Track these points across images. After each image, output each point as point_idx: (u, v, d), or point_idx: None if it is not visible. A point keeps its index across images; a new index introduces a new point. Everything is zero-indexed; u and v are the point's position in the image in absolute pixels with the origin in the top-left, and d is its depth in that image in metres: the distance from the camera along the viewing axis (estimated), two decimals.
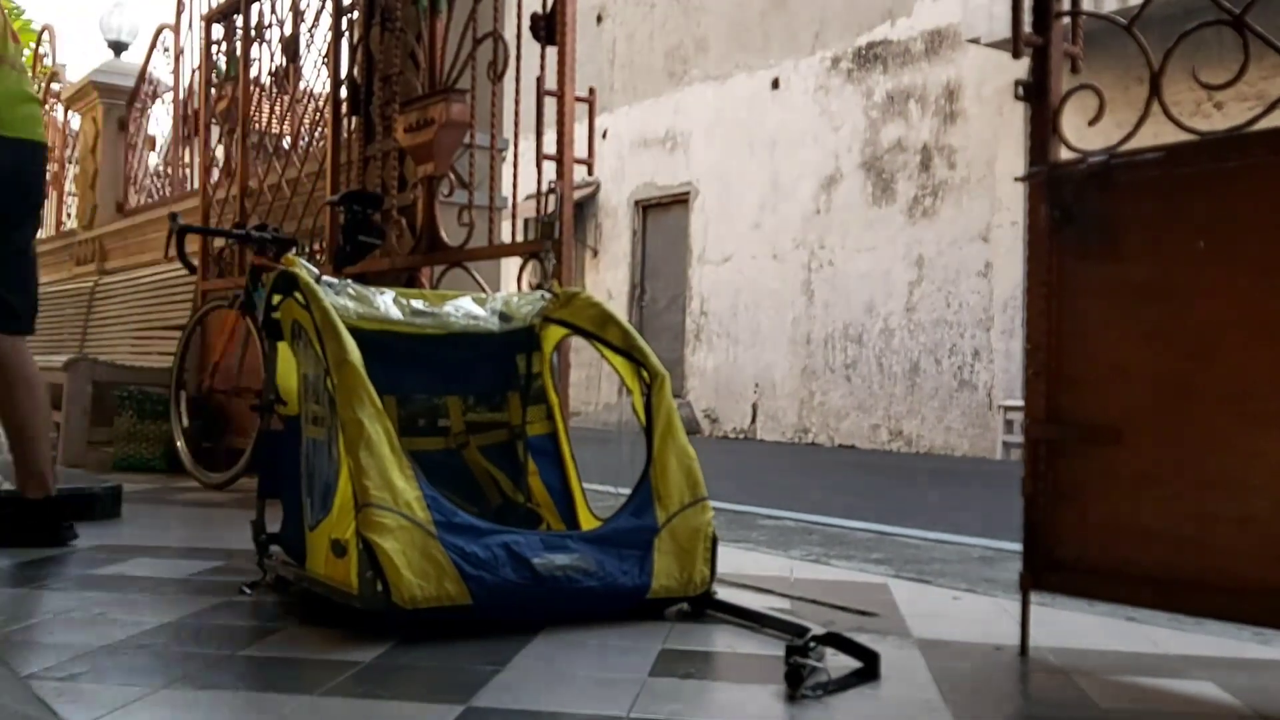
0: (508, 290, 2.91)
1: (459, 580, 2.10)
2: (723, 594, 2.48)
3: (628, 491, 2.47)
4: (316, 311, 2.34)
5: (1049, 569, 2.10)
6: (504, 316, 2.78)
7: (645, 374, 2.54)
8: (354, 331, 2.34)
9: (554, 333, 2.84)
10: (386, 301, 2.67)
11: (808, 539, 4.07)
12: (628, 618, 2.35)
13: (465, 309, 2.76)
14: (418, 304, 2.71)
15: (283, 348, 2.60)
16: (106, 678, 1.83)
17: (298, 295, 2.43)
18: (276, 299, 2.54)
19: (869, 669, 1.95)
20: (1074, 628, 2.40)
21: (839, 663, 1.98)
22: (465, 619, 2.14)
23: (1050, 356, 2.10)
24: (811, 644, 1.96)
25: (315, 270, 2.55)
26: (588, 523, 2.69)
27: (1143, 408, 1.97)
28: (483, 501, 2.75)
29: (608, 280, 15.11)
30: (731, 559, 2.94)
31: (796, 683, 1.82)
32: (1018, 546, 2.18)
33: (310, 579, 2.35)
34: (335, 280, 2.66)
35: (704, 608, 2.42)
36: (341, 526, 2.19)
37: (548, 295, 2.81)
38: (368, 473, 2.11)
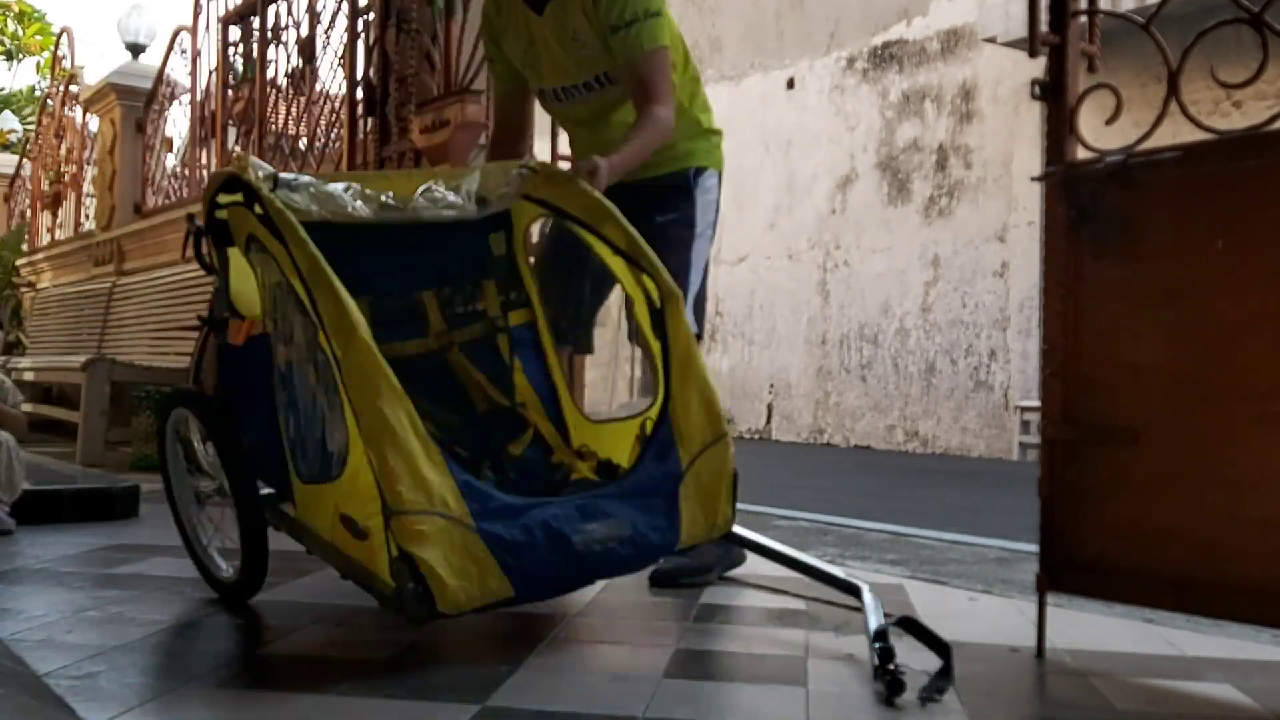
0: (483, 171, 2.58)
1: (500, 575, 1.95)
2: (744, 595, 2.47)
3: (627, 413, 2.40)
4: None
5: (1066, 570, 2.09)
6: (480, 200, 2.51)
7: (654, 289, 2.29)
8: (317, 227, 2.09)
9: (529, 210, 2.58)
10: (351, 198, 2.37)
11: (823, 540, 4.05)
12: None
13: (439, 196, 2.47)
14: (387, 197, 2.41)
15: (234, 254, 2.31)
16: (123, 676, 1.83)
17: (257, 209, 2.14)
18: (224, 198, 2.26)
19: (946, 665, 1.93)
20: (1091, 629, 2.39)
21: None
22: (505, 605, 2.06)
23: (1067, 357, 2.08)
24: (891, 631, 1.98)
25: (269, 168, 2.23)
26: (575, 421, 2.60)
27: (1161, 408, 1.96)
28: (468, 408, 2.57)
29: None
30: (747, 560, 2.94)
31: (892, 686, 1.82)
32: (1034, 548, 2.17)
33: (324, 546, 2.13)
34: (292, 176, 2.31)
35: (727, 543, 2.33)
36: (359, 508, 1.98)
37: (525, 171, 2.51)
38: (398, 476, 1.89)
